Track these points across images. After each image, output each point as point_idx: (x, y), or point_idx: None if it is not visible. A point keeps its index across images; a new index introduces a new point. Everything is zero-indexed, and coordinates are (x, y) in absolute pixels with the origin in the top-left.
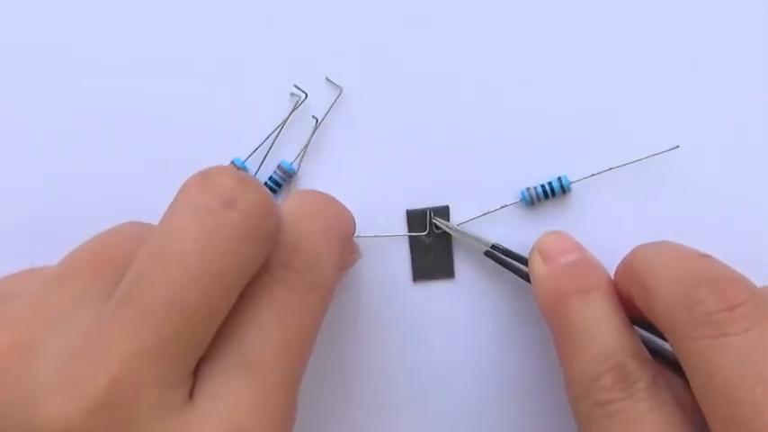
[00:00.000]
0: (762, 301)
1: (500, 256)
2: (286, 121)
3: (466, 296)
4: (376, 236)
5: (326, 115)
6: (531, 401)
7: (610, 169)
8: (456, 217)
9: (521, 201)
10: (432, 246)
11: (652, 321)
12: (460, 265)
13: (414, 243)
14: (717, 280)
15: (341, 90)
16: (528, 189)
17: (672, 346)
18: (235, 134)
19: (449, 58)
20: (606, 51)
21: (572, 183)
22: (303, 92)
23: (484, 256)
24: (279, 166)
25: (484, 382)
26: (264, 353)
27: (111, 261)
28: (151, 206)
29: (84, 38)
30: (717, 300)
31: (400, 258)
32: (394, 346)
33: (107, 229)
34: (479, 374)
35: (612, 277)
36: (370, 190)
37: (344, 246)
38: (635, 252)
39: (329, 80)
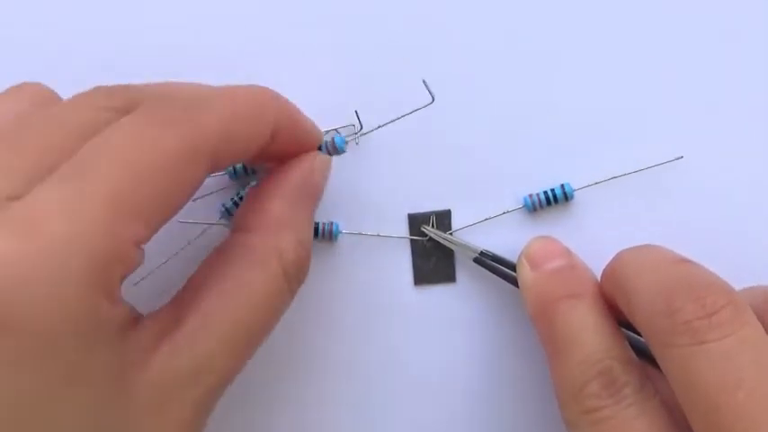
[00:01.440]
0: (741, 307)
1: (489, 263)
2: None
3: (467, 301)
4: (378, 235)
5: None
6: (533, 405)
7: (613, 178)
8: (458, 222)
9: (523, 207)
10: (433, 250)
11: (634, 326)
12: (462, 269)
13: (415, 247)
14: (696, 286)
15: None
16: (530, 195)
17: (653, 352)
18: None
19: (453, 64)
20: (611, 60)
21: (575, 190)
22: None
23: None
24: (249, 184)
25: (485, 386)
26: (94, 160)
27: None
28: None
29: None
30: (696, 307)
31: (401, 262)
32: (395, 350)
33: None
34: (480, 378)
35: (599, 282)
36: (373, 192)
37: (260, 117)
38: (618, 257)
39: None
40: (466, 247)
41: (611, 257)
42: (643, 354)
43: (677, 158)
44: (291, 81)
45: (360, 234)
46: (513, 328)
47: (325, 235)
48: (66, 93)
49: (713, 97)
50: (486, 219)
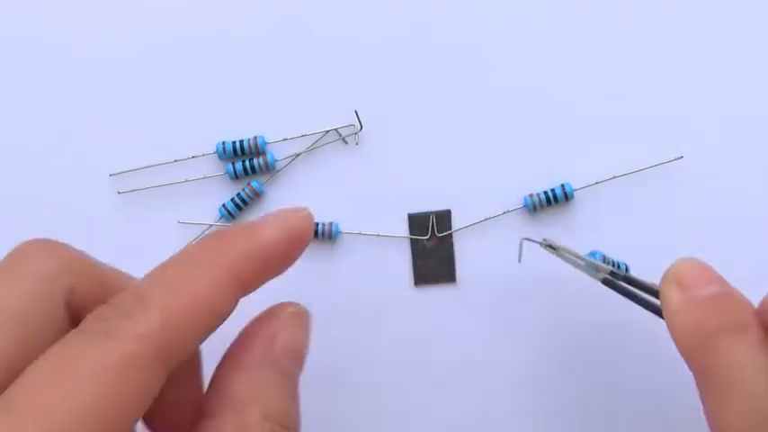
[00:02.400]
0: None
1: (621, 285)
2: (324, 132)
3: (467, 300)
4: (378, 235)
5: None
6: (534, 405)
7: (614, 177)
8: (458, 222)
9: (523, 207)
10: (433, 250)
11: None
12: (462, 269)
13: (415, 247)
14: None
15: (360, 127)
16: (531, 195)
17: None
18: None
19: (453, 64)
20: (611, 61)
21: (575, 190)
22: (360, 123)
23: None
24: (248, 185)
25: (485, 386)
26: (20, 393)
27: None
28: None
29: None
30: None
31: (401, 262)
32: (395, 349)
33: None
34: (481, 378)
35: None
36: (373, 192)
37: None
38: None
39: (356, 116)
40: (593, 266)
41: (612, 257)
42: None
43: (677, 158)
44: (291, 80)
45: (359, 234)
46: (514, 328)
47: (324, 235)
48: (66, 91)
49: (713, 97)
50: (486, 219)
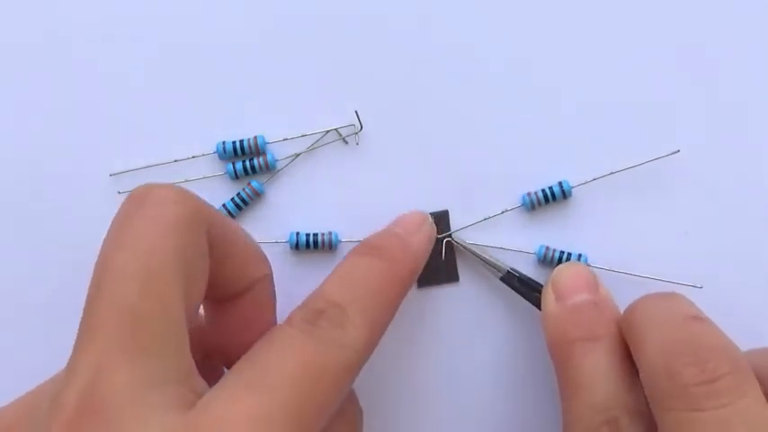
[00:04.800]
0: (743, 375)
1: (515, 284)
2: (326, 132)
3: (471, 300)
4: None
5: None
6: (537, 405)
7: (611, 174)
8: (456, 222)
9: (521, 205)
10: (434, 251)
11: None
12: (464, 269)
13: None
14: (699, 350)
15: (361, 127)
16: (529, 194)
17: (653, 411)
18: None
19: (450, 63)
20: (606, 56)
21: (573, 187)
22: (360, 123)
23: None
24: (249, 184)
25: (488, 386)
26: (276, 375)
27: None
28: None
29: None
30: (696, 372)
31: None
32: (399, 351)
33: None
34: (485, 377)
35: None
36: (370, 196)
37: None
38: (634, 307)
39: (356, 115)
40: (494, 265)
41: (610, 254)
42: None
43: (674, 153)
44: (291, 80)
45: (359, 242)
46: (517, 326)
47: (324, 245)
48: (65, 92)
49: (708, 91)
50: (485, 218)
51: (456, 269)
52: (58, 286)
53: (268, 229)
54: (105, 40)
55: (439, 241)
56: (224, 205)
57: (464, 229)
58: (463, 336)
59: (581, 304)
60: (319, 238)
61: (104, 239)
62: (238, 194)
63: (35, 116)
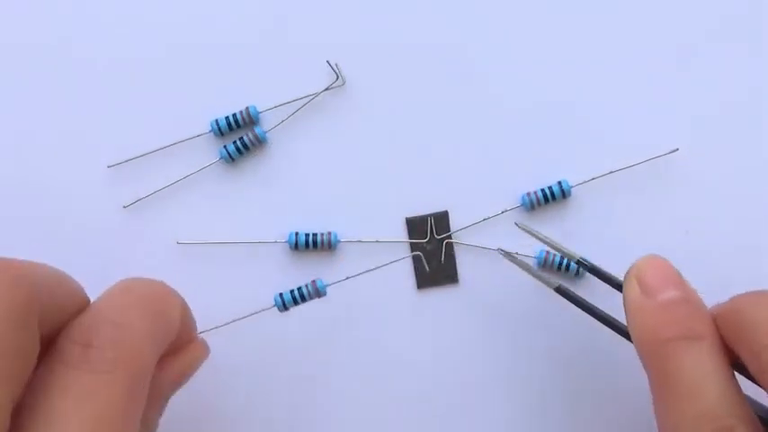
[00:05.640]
0: None
1: (574, 295)
2: (316, 95)
3: (471, 300)
4: (377, 241)
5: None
6: (538, 405)
7: (610, 173)
8: (456, 223)
9: (521, 205)
10: (434, 252)
11: (763, 388)
12: (464, 269)
13: (415, 250)
14: None
15: (343, 82)
16: (528, 193)
17: None
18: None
19: (449, 64)
20: (606, 56)
21: (572, 186)
22: (342, 76)
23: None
24: (252, 130)
25: (489, 387)
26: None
27: None
28: None
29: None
30: None
31: (403, 267)
32: (401, 353)
33: None
34: (484, 379)
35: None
36: (369, 198)
37: (165, 325)
38: (737, 306)
39: (332, 67)
40: (547, 278)
41: (612, 253)
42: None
43: (673, 151)
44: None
45: (359, 242)
46: (517, 327)
47: (324, 245)
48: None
49: (708, 90)
50: (485, 219)
51: (456, 270)
52: None
53: (267, 228)
54: (82, 31)
55: (439, 242)
56: (225, 147)
57: (464, 230)
58: (463, 337)
59: (674, 300)
60: (318, 237)
61: None
62: (240, 139)
63: (33, 114)
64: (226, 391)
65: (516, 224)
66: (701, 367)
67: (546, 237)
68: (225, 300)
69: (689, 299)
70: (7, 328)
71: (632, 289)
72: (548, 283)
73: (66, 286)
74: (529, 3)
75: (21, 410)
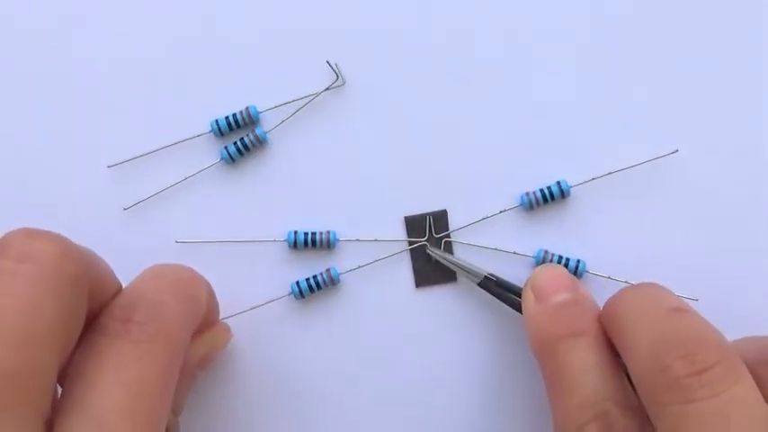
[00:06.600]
0: (732, 363)
1: (494, 288)
2: (317, 95)
3: (469, 300)
4: (376, 240)
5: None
6: (537, 404)
7: (609, 173)
8: (455, 222)
9: (520, 205)
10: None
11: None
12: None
13: (414, 249)
14: (687, 342)
15: (343, 82)
16: (527, 193)
17: (647, 410)
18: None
19: (449, 63)
20: (605, 56)
21: (571, 187)
22: (342, 76)
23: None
24: (252, 131)
25: (487, 386)
26: (110, 414)
27: None
28: None
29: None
30: (685, 364)
31: (401, 265)
32: (399, 353)
33: None
34: (483, 378)
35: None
36: (368, 197)
37: (195, 308)
38: (615, 300)
39: (332, 67)
40: (470, 272)
41: (609, 254)
42: None
43: (672, 152)
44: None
45: (357, 241)
46: (516, 326)
47: (323, 244)
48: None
49: (707, 90)
50: (484, 218)
51: (454, 269)
52: None
53: (266, 227)
54: (82, 31)
55: (438, 241)
56: (225, 148)
57: (462, 229)
58: (461, 335)
59: (562, 303)
60: (317, 236)
61: None
62: (241, 140)
63: (31, 112)
64: (223, 388)
65: (427, 251)
66: (584, 360)
67: (455, 258)
68: (224, 298)
69: (578, 300)
70: (65, 293)
71: (528, 298)
72: (475, 275)
73: (106, 270)
74: (529, 3)
75: (64, 378)
